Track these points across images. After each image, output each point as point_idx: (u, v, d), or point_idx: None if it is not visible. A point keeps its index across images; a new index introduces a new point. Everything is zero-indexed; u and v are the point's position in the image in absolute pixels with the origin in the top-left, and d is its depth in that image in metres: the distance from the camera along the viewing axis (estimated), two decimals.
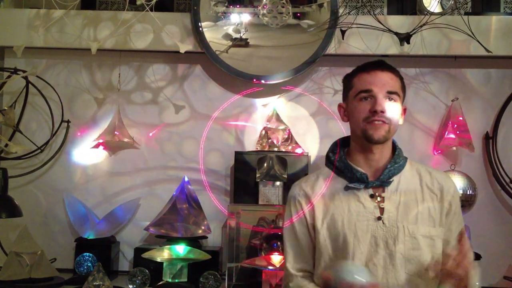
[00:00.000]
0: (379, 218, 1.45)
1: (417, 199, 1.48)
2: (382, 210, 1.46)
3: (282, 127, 2.51)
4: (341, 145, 1.59)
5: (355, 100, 1.49)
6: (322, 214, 1.51)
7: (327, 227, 1.49)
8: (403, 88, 1.54)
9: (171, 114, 2.62)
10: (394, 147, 1.55)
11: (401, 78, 1.53)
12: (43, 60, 2.63)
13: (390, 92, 1.46)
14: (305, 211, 1.53)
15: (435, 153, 2.53)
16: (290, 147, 2.48)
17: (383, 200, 1.47)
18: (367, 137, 1.46)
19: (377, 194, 1.48)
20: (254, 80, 2.49)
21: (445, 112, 2.54)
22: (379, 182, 1.48)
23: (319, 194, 1.53)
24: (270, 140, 2.48)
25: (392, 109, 1.46)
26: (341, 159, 1.54)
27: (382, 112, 1.44)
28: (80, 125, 2.62)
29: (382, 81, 1.47)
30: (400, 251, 1.41)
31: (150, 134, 2.61)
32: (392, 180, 1.49)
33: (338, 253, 1.46)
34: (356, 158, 1.52)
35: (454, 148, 2.49)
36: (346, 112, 1.55)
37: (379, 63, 1.52)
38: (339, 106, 1.58)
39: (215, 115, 2.57)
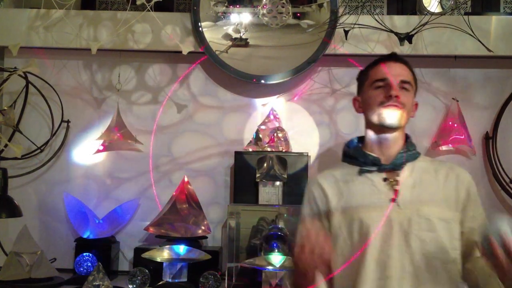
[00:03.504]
0: (393, 200, 1.47)
1: (431, 183, 1.51)
2: (396, 192, 1.49)
3: (275, 127, 2.50)
4: (356, 141, 1.66)
5: (371, 88, 1.56)
6: (336, 200, 1.54)
7: (341, 211, 1.52)
8: (415, 80, 1.61)
9: (171, 113, 2.62)
10: (407, 138, 1.61)
11: (413, 71, 1.61)
12: (43, 60, 2.63)
13: (403, 81, 1.54)
14: (318, 200, 1.57)
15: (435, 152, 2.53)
16: (281, 148, 2.46)
17: (397, 184, 1.50)
18: (382, 121, 1.52)
19: (391, 178, 1.52)
20: (254, 80, 2.49)
21: (444, 112, 2.54)
22: (392, 165, 1.52)
23: (332, 182, 1.57)
24: (259, 142, 2.47)
25: (406, 98, 1.53)
26: (355, 148, 1.61)
27: (397, 97, 1.50)
28: (80, 125, 2.62)
29: (396, 71, 1.55)
30: (415, 232, 1.43)
31: (150, 134, 2.61)
32: (405, 165, 1.53)
33: (353, 236, 1.48)
34: (371, 146, 1.58)
35: (452, 148, 2.50)
36: (361, 103, 1.63)
37: (393, 56, 1.61)
38: (354, 99, 1.67)
39: None
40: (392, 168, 1.52)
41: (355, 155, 1.58)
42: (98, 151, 2.58)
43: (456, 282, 1.46)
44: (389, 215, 1.45)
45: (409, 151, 1.55)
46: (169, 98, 2.62)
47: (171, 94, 2.62)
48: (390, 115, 1.51)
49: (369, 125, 1.59)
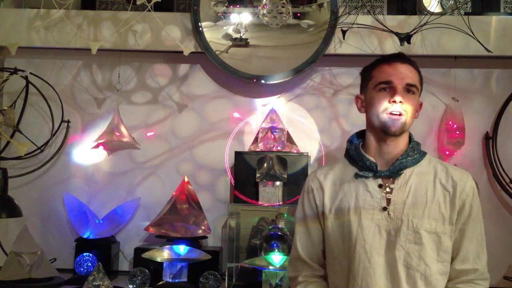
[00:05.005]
0: (384, 209, 1.45)
1: (427, 194, 1.46)
2: (389, 201, 1.46)
3: (274, 127, 2.50)
4: (359, 136, 1.61)
5: (374, 90, 1.50)
6: (331, 200, 1.52)
7: (334, 213, 1.51)
8: (421, 81, 1.56)
9: (171, 113, 2.62)
10: (411, 141, 1.55)
11: (419, 72, 1.55)
12: (43, 60, 2.63)
13: (409, 85, 1.49)
14: (316, 197, 1.55)
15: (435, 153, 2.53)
16: (280, 147, 2.46)
17: (391, 192, 1.47)
18: (385, 128, 1.47)
19: (386, 184, 1.48)
20: (254, 80, 2.49)
21: (444, 112, 2.54)
22: (389, 172, 1.48)
23: (330, 181, 1.55)
24: (261, 143, 2.47)
25: (410, 101, 1.48)
26: (355, 148, 1.56)
27: (401, 103, 1.46)
28: (80, 125, 2.62)
29: (402, 73, 1.49)
30: (401, 243, 1.42)
31: (150, 134, 2.61)
32: (403, 172, 1.49)
33: (344, 240, 1.48)
34: (370, 148, 1.54)
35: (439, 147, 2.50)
36: (363, 103, 1.56)
37: (399, 56, 1.54)
38: (357, 97, 1.60)
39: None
40: (389, 175, 1.48)
41: (354, 156, 1.54)
42: (96, 146, 2.58)
43: None
44: (379, 223, 1.44)
45: (409, 156, 1.49)
46: (169, 97, 2.62)
47: (171, 93, 2.62)
48: (393, 124, 1.46)
49: (371, 126, 1.54)
